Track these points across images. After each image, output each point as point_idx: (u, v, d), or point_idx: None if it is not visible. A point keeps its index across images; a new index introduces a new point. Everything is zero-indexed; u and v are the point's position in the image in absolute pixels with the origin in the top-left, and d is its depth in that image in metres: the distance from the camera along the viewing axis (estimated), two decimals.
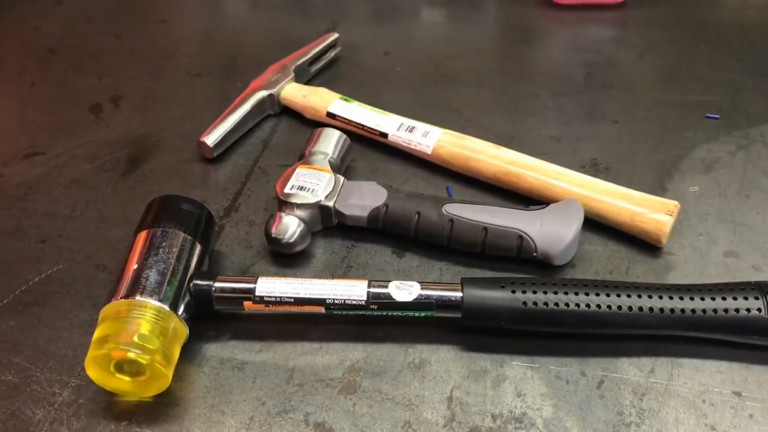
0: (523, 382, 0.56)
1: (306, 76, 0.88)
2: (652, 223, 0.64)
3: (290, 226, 0.64)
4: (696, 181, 0.73)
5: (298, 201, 0.65)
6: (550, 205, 0.64)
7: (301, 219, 0.65)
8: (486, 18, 1.02)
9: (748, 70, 0.88)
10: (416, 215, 0.64)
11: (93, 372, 0.53)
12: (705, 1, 1.03)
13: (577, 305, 0.55)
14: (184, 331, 0.56)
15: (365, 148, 0.78)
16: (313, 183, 0.67)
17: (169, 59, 0.94)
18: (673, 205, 0.65)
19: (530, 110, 0.84)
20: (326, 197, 0.66)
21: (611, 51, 0.94)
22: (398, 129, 0.76)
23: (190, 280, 0.57)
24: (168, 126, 0.83)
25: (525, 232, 0.62)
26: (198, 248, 0.60)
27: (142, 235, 0.59)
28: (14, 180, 0.76)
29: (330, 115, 0.79)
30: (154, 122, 0.83)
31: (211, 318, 0.60)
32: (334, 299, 0.57)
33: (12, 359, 0.58)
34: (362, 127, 0.78)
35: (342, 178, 0.68)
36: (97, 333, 0.53)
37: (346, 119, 0.78)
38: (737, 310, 0.55)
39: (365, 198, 0.66)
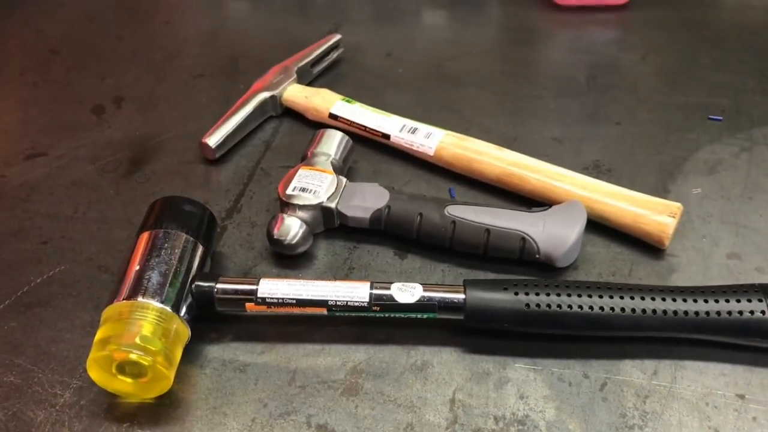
0: (526, 385, 0.56)
1: (308, 78, 0.88)
2: (655, 225, 0.64)
3: (292, 227, 0.64)
4: (699, 183, 0.73)
5: (301, 202, 0.65)
6: (553, 207, 0.64)
7: (303, 220, 0.65)
8: (488, 19, 1.02)
9: (750, 72, 0.88)
10: (418, 217, 0.64)
11: (95, 373, 0.53)
12: (707, 3, 1.03)
13: (580, 307, 0.55)
14: (186, 332, 0.56)
15: (367, 150, 0.78)
16: (315, 184, 0.66)
17: (172, 60, 0.94)
18: (676, 207, 0.64)
19: (533, 112, 0.84)
20: (328, 199, 0.66)
21: (614, 53, 0.94)
22: (400, 130, 0.76)
23: (192, 281, 0.57)
24: (170, 127, 0.83)
25: (528, 234, 0.62)
26: (200, 249, 0.60)
27: (144, 236, 0.59)
28: (16, 181, 0.76)
29: (332, 116, 0.79)
30: (156, 123, 0.83)
31: (213, 319, 0.60)
32: (336, 301, 0.56)
33: (14, 360, 0.58)
34: (364, 128, 0.78)
35: (344, 180, 0.68)
36: (99, 334, 0.53)
37: (348, 120, 0.78)
38: (740, 313, 0.54)
39: (367, 199, 0.66)
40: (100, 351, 0.51)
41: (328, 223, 0.67)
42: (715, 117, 0.81)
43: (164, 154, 0.79)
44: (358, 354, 0.58)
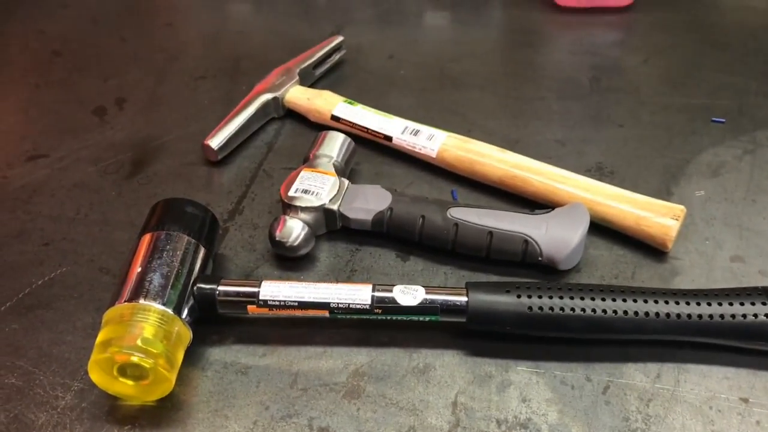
0: (528, 388, 0.55)
1: (310, 79, 0.88)
2: (658, 228, 0.64)
3: (294, 229, 0.64)
4: (702, 186, 0.73)
5: (303, 204, 0.65)
6: (556, 209, 0.64)
7: (305, 222, 0.64)
8: (490, 21, 1.02)
9: (753, 74, 0.88)
10: (421, 219, 0.64)
11: (96, 375, 0.52)
12: (710, 5, 1.03)
13: (583, 310, 0.55)
14: (187, 334, 0.56)
15: (369, 152, 0.78)
16: (317, 186, 0.66)
17: (174, 62, 0.94)
18: (679, 209, 0.64)
19: (535, 114, 0.83)
20: (330, 201, 0.66)
21: (616, 55, 0.94)
22: (403, 132, 0.76)
23: (194, 283, 0.57)
24: (172, 129, 0.83)
25: (530, 237, 0.62)
26: (202, 251, 0.60)
27: (146, 238, 0.58)
28: (18, 182, 0.76)
29: (334, 118, 0.79)
30: (158, 125, 0.83)
31: (215, 322, 0.60)
32: (338, 303, 0.56)
33: (15, 362, 0.58)
34: (367, 130, 0.77)
35: (346, 182, 0.68)
36: (101, 336, 0.52)
37: (350, 122, 0.78)
38: (744, 316, 0.54)
39: (369, 201, 0.66)
40: (101, 353, 0.51)
41: (330, 225, 0.67)
42: (718, 119, 0.81)
43: (166, 155, 0.79)
44: (360, 357, 0.58)
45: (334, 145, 0.71)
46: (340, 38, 0.92)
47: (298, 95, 0.82)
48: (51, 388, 0.56)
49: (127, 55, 0.96)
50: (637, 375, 0.56)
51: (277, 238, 0.64)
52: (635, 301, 0.55)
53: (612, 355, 0.57)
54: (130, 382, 0.53)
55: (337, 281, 0.64)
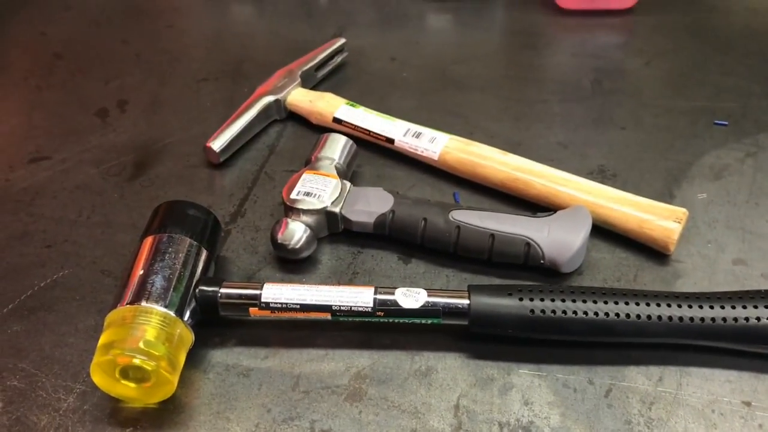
0: (531, 391, 0.55)
1: (312, 82, 0.88)
2: (660, 231, 0.63)
3: (296, 231, 0.64)
4: (704, 189, 0.72)
5: (305, 207, 0.65)
6: (558, 212, 0.64)
7: (307, 225, 0.64)
8: (492, 23, 1.02)
9: (756, 77, 0.88)
10: (423, 221, 0.64)
11: (98, 378, 0.52)
12: (713, 8, 1.03)
13: (585, 313, 0.55)
14: (189, 337, 0.56)
15: (371, 154, 0.78)
16: (319, 189, 0.66)
17: (176, 64, 0.95)
18: (682, 212, 0.64)
19: (537, 116, 0.83)
20: (332, 203, 0.66)
21: (618, 57, 0.93)
22: (405, 135, 0.76)
23: (196, 286, 0.57)
24: (174, 131, 0.83)
25: (532, 239, 0.62)
26: (204, 254, 0.60)
27: (148, 240, 0.59)
28: (20, 185, 0.76)
29: (336, 120, 0.79)
30: (160, 127, 0.83)
31: (217, 324, 0.60)
32: (340, 306, 0.56)
33: (17, 364, 0.58)
34: (369, 132, 0.77)
35: (348, 184, 0.68)
36: (103, 339, 0.52)
37: (352, 125, 0.78)
38: (747, 319, 0.54)
39: (371, 204, 0.66)
40: (103, 355, 0.51)
41: (332, 228, 0.67)
42: (720, 122, 0.81)
43: (168, 158, 0.79)
44: (362, 359, 0.58)
45: (336, 147, 0.71)
46: (342, 40, 0.92)
47: (300, 97, 0.83)
48: (53, 390, 0.56)
49: (129, 57, 0.96)
50: (640, 378, 0.56)
51: (279, 241, 0.64)
52: (637, 304, 0.55)
53: (614, 358, 0.57)
54: (132, 385, 0.53)
55: (339, 284, 0.64)
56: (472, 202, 0.72)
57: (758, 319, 0.54)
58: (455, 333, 0.59)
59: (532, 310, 0.55)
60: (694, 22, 1.00)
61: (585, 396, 0.55)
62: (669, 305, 0.55)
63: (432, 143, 0.74)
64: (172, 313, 0.54)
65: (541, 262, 0.62)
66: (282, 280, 0.64)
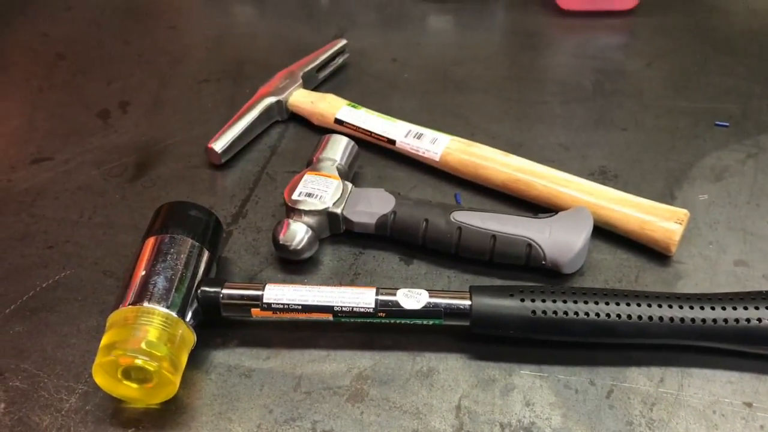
0: (532, 391, 0.55)
1: (314, 83, 0.88)
2: (662, 232, 0.64)
3: (298, 232, 0.64)
4: (706, 190, 0.72)
5: (306, 208, 0.65)
6: (559, 213, 0.64)
7: (308, 226, 0.65)
8: (493, 25, 1.02)
9: (757, 78, 0.88)
10: (424, 222, 0.64)
11: (100, 378, 0.53)
12: (714, 9, 1.03)
13: (586, 314, 0.55)
14: (191, 338, 0.56)
15: (373, 155, 0.78)
16: (320, 190, 0.66)
17: (178, 65, 0.95)
18: (683, 213, 0.64)
19: (539, 117, 0.83)
20: (334, 204, 0.66)
21: (620, 58, 0.94)
22: (406, 136, 0.76)
23: (198, 286, 0.57)
24: (176, 132, 0.83)
25: (534, 240, 0.62)
26: (206, 255, 0.60)
27: (150, 241, 0.59)
28: (22, 185, 0.76)
29: (338, 121, 0.79)
30: (162, 128, 0.83)
31: (219, 325, 0.60)
32: (341, 307, 0.56)
33: (19, 365, 0.58)
34: (370, 133, 0.77)
35: (350, 185, 0.68)
36: (105, 339, 0.52)
37: (354, 126, 0.78)
38: (748, 320, 0.54)
39: (373, 205, 0.66)
40: (105, 356, 0.51)
41: (334, 229, 0.67)
42: (721, 123, 0.81)
43: (170, 158, 0.79)
44: (363, 360, 0.58)
45: (338, 148, 0.72)
46: (343, 41, 0.92)
47: (302, 98, 0.83)
48: (55, 390, 0.56)
49: (131, 58, 0.96)
50: (641, 379, 0.56)
51: (280, 242, 0.64)
52: (639, 305, 0.55)
53: (616, 359, 0.57)
54: (134, 385, 0.53)
55: (341, 284, 0.64)
56: (473, 203, 0.72)
57: (759, 320, 0.54)
58: (457, 334, 0.59)
59: (533, 311, 0.55)
60: (695, 23, 1.00)
61: (586, 397, 0.55)
62: (670, 306, 0.55)
63: (433, 144, 0.74)
64: (174, 314, 0.54)
65: (543, 263, 0.62)
66: (284, 281, 0.64)
